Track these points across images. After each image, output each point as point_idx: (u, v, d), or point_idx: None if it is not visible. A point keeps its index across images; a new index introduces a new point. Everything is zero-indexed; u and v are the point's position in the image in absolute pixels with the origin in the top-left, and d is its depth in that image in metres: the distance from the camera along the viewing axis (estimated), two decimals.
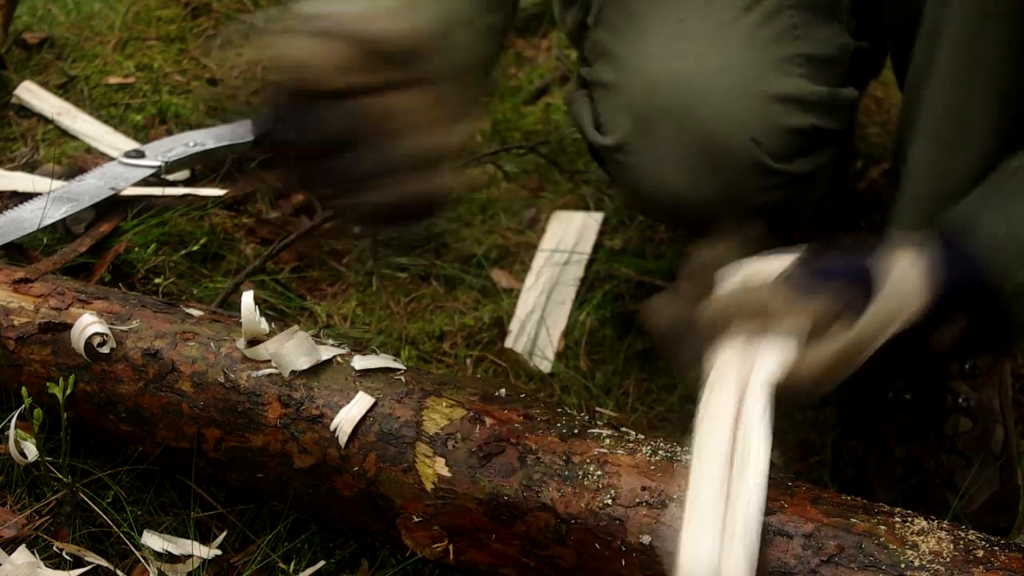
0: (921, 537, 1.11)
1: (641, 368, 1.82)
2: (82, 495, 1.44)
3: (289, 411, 1.35)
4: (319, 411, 1.33)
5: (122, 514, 1.44)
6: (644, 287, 1.93)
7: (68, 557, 1.37)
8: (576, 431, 1.26)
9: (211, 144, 2.05)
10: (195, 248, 1.87)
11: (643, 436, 1.27)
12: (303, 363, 1.36)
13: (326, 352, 1.39)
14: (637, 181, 1.47)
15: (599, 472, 1.21)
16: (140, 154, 1.99)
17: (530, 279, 1.96)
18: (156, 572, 1.38)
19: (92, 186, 1.89)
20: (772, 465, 1.53)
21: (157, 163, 1.98)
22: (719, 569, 1.08)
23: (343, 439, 1.31)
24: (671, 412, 1.75)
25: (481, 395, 1.33)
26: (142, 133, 2.18)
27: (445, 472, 1.26)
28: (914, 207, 1.37)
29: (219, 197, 1.97)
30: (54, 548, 1.38)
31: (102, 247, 1.82)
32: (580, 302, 1.93)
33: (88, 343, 1.42)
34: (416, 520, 1.29)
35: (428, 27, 1.02)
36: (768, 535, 1.13)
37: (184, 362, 1.41)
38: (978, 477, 1.59)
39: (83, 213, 1.86)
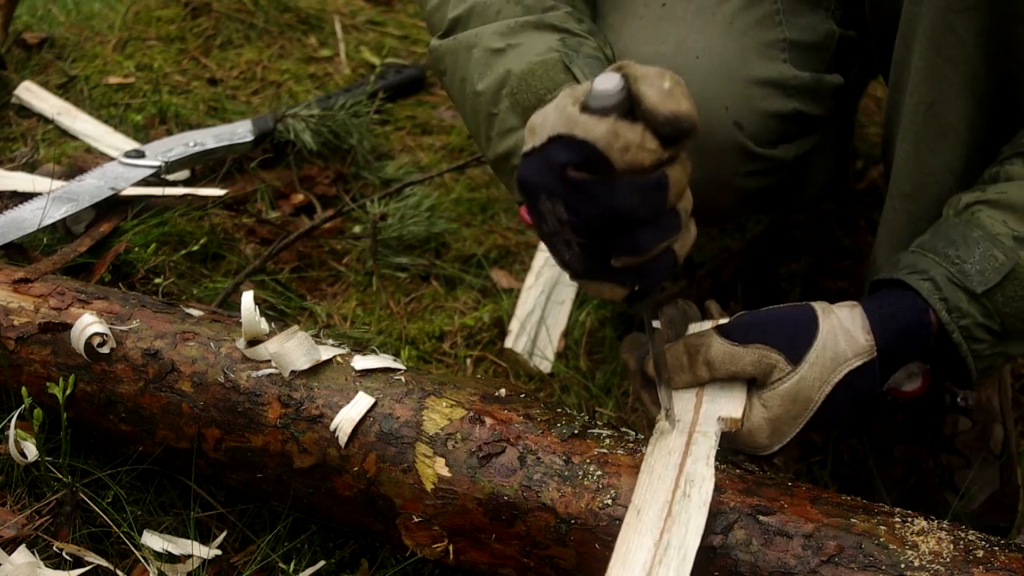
0: (921, 537, 1.11)
1: None
2: (82, 495, 1.44)
3: (289, 411, 1.35)
4: (319, 411, 1.33)
5: (122, 514, 1.44)
6: None
7: (68, 557, 1.37)
8: (576, 431, 1.26)
9: (211, 144, 2.06)
10: (195, 248, 1.87)
11: (643, 436, 1.27)
12: (303, 363, 1.36)
13: (326, 352, 1.39)
14: None
15: (599, 472, 1.21)
16: (140, 154, 1.99)
17: (530, 279, 1.96)
18: (156, 572, 1.38)
19: (92, 186, 1.89)
20: (772, 465, 1.54)
21: (157, 163, 1.98)
22: None
23: (343, 439, 1.31)
24: None
25: (481, 395, 1.33)
26: (142, 133, 2.18)
27: (445, 472, 1.26)
28: (900, 205, 1.38)
29: (219, 197, 1.97)
30: (54, 548, 1.38)
31: (102, 247, 1.82)
32: (580, 302, 1.93)
33: (88, 343, 1.42)
34: (416, 520, 1.29)
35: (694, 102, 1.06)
36: (768, 535, 1.13)
37: (184, 362, 1.41)
38: (978, 477, 1.59)
39: (83, 213, 1.86)
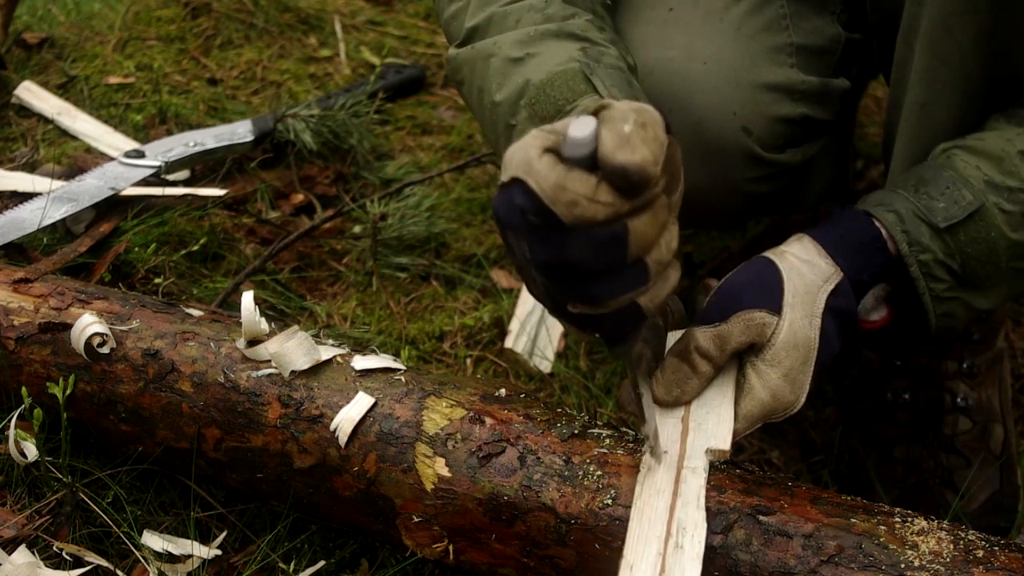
0: (921, 537, 1.11)
1: None
2: (82, 495, 1.44)
3: (289, 411, 1.35)
4: (319, 411, 1.33)
5: (122, 514, 1.44)
6: None
7: (68, 557, 1.37)
8: (576, 431, 1.26)
9: (211, 144, 2.06)
10: (195, 248, 1.87)
11: (643, 436, 1.27)
12: (303, 363, 1.36)
13: (326, 352, 1.39)
14: None
15: (599, 472, 1.21)
16: (140, 154, 2.00)
17: None
18: (156, 572, 1.38)
19: (92, 186, 1.90)
20: (772, 465, 1.53)
21: (157, 163, 1.98)
22: None
23: (343, 439, 1.31)
24: None
25: (481, 395, 1.33)
26: (142, 133, 2.18)
27: (445, 472, 1.26)
28: None
29: (219, 197, 1.98)
30: (54, 548, 1.38)
31: (102, 247, 1.82)
32: None
33: (88, 343, 1.42)
34: (416, 520, 1.29)
35: (663, 151, 0.99)
36: (768, 535, 1.13)
37: (184, 362, 1.41)
38: (978, 477, 1.59)
39: (83, 213, 1.86)
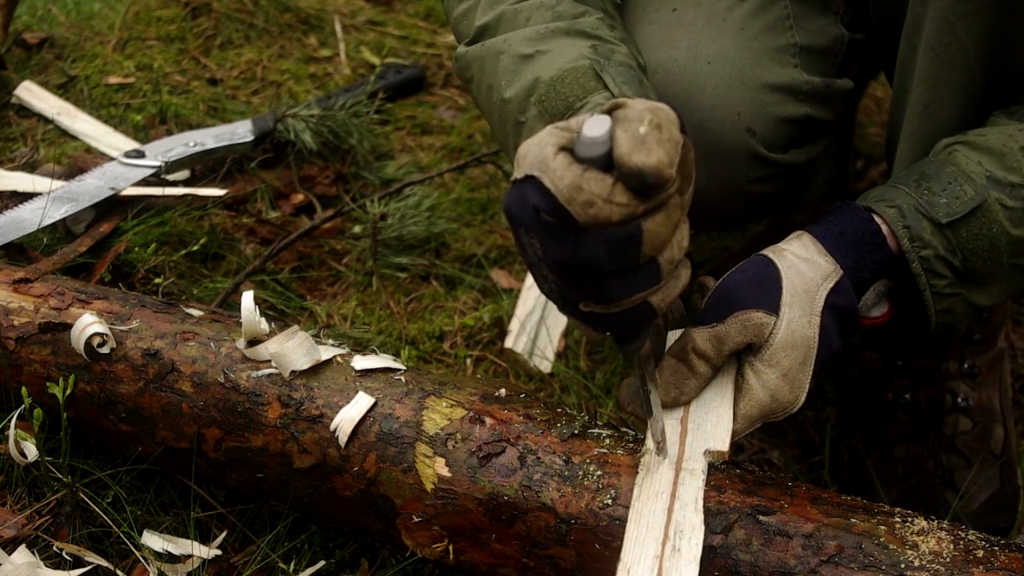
0: (921, 537, 1.11)
1: None
2: (82, 495, 1.44)
3: (289, 411, 1.35)
4: (319, 411, 1.33)
5: (122, 514, 1.44)
6: None
7: (68, 557, 1.37)
8: (576, 431, 1.26)
9: (211, 144, 2.06)
10: (195, 248, 1.87)
11: (643, 436, 1.26)
12: (303, 363, 1.36)
13: (326, 352, 1.39)
14: None
15: (599, 472, 1.21)
16: (140, 154, 2.00)
17: (530, 279, 1.96)
18: (156, 572, 1.38)
19: (92, 186, 1.90)
20: (772, 465, 1.53)
21: (157, 163, 1.98)
22: None
23: (343, 439, 1.31)
24: None
25: (481, 395, 1.33)
26: (142, 133, 2.18)
27: (445, 472, 1.26)
28: None
29: (219, 197, 1.97)
30: (54, 548, 1.38)
31: (102, 247, 1.82)
32: None
33: (88, 343, 1.42)
34: (416, 520, 1.29)
35: (678, 151, 0.99)
36: (768, 535, 1.13)
37: (184, 362, 1.41)
38: (978, 477, 1.59)
39: (83, 213, 1.86)
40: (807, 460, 1.70)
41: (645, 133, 0.96)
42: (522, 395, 1.34)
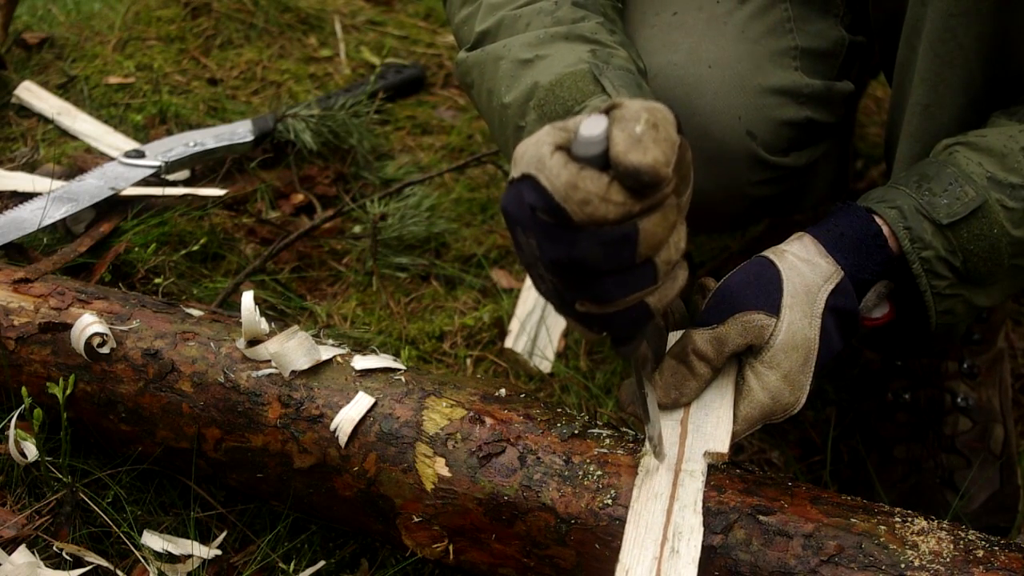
0: (921, 537, 1.11)
1: None
2: (82, 495, 1.44)
3: (289, 411, 1.35)
4: (319, 411, 1.33)
5: (122, 514, 1.44)
6: None
7: (68, 557, 1.37)
8: (576, 431, 1.26)
9: (211, 144, 2.06)
10: (195, 248, 1.87)
11: (643, 436, 1.26)
12: (303, 363, 1.36)
13: (326, 352, 1.39)
14: None
15: (599, 472, 1.21)
16: (140, 154, 2.00)
17: (530, 279, 1.96)
18: (156, 572, 1.38)
19: (92, 186, 1.90)
20: (772, 465, 1.53)
21: (157, 163, 1.98)
22: None
23: (343, 439, 1.31)
24: None
25: (481, 395, 1.33)
26: (142, 133, 2.18)
27: (445, 472, 1.26)
28: None
29: (219, 197, 1.97)
30: (54, 548, 1.38)
31: (102, 247, 1.82)
32: None
33: (88, 343, 1.42)
34: (416, 520, 1.29)
35: (675, 151, 0.98)
36: (768, 535, 1.13)
37: (184, 362, 1.41)
38: (978, 477, 1.59)
39: (83, 213, 1.86)
40: (807, 460, 1.70)
41: (641, 132, 0.96)
42: (522, 395, 1.34)
